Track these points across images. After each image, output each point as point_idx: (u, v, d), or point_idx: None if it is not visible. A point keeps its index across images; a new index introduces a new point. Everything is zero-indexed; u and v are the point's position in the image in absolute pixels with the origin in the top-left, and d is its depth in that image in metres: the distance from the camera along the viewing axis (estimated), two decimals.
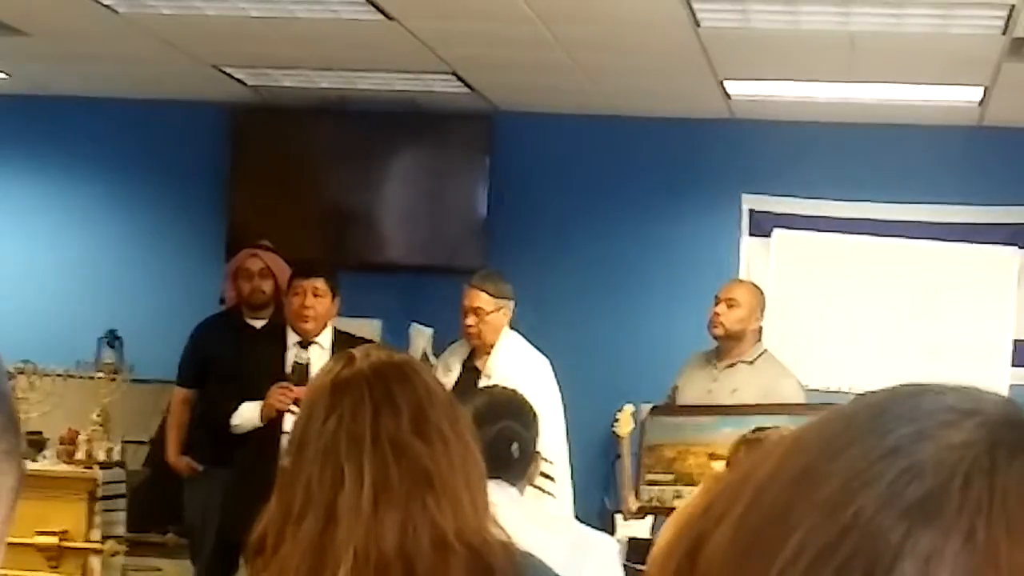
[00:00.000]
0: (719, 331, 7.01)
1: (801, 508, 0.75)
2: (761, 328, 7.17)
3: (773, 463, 0.79)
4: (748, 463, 0.82)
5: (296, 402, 6.80)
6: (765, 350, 7.10)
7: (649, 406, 7.10)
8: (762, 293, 7.24)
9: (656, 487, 6.67)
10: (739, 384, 6.83)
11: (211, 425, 7.41)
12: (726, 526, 0.78)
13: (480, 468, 2.45)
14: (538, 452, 3.95)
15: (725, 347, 7.04)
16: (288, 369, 7.01)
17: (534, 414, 3.98)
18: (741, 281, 7.38)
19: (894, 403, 0.79)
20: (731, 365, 6.99)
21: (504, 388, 4.31)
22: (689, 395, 6.99)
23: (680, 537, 0.81)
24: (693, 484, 6.28)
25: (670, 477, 6.64)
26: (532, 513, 3.77)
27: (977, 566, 0.72)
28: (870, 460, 0.75)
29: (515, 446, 3.74)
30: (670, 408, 7.00)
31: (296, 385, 6.81)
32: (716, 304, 7.05)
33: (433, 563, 2.27)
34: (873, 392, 0.82)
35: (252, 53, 7.79)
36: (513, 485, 3.72)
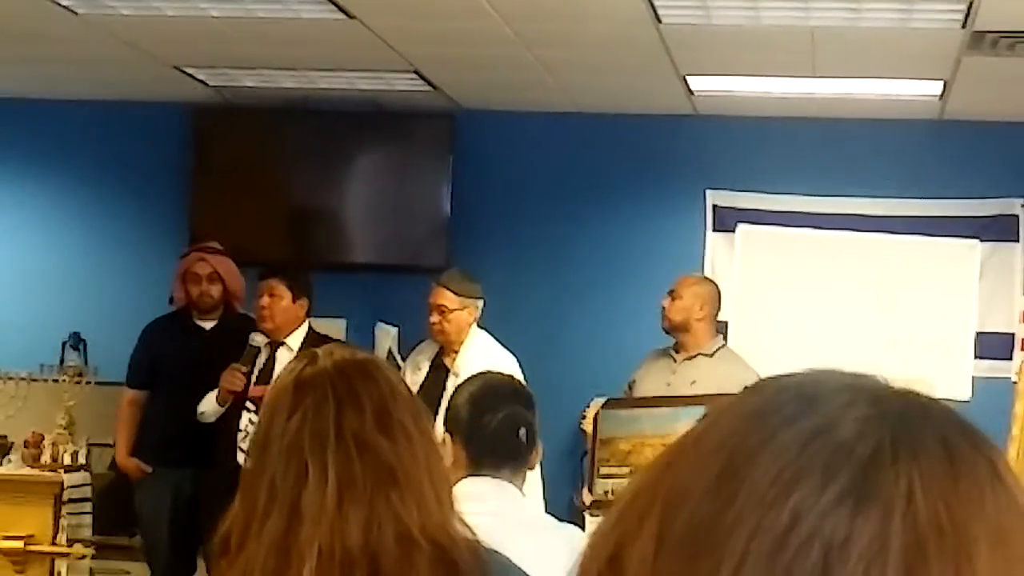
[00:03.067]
0: (664, 323, 7.08)
1: (738, 505, 0.76)
2: (715, 321, 7.19)
3: (686, 465, 0.80)
4: (653, 467, 0.82)
5: (248, 386, 6.90)
6: (724, 344, 7.15)
7: (600, 401, 7.12)
8: (712, 284, 7.25)
9: (611, 480, 6.67)
10: (698, 376, 6.85)
11: (162, 426, 7.42)
12: (648, 532, 0.78)
13: (444, 465, 2.45)
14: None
15: (681, 340, 7.08)
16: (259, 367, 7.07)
17: (532, 397, 3.88)
18: (690, 275, 7.38)
19: (788, 392, 0.81)
20: (690, 358, 7.03)
21: (499, 373, 4.17)
22: (647, 388, 7.01)
23: (597, 546, 0.81)
24: None
25: (625, 470, 6.64)
26: (532, 516, 3.72)
27: (923, 529, 0.74)
28: (796, 448, 0.77)
29: (522, 431, 3.63)
30: (623, 401, 7.01)
31: (247, 368, 6.94)
32: (664, 298, 7.13)
33: (398, 559, 2.27)
34: (757, 385, 0.84)
35: (213, 53, 7.77)
36: (514, 476, 3.61)
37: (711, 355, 7.02)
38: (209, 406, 7.10)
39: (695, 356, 7.02)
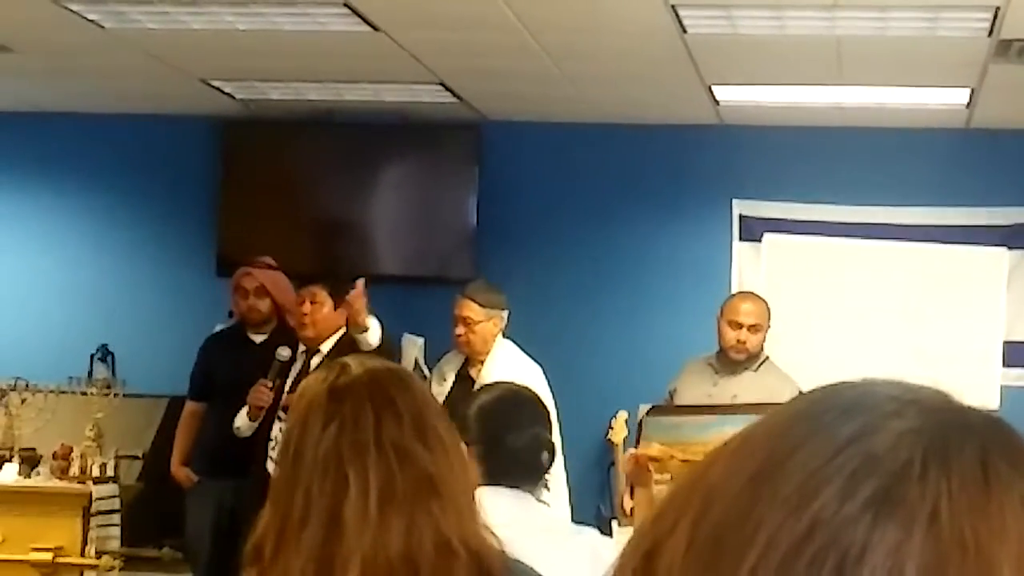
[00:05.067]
0: (743, 356, 6.96)
1: (762, 508, 0.76)
2: None
3: (723, 467, 0.80)
4: (695, 468, 0.82)
5: (277, 399, 6.88)
6: (767, 357, 7.08)
7: (645, 408, 7.10)
8: (767, 304, 7.18)
9: (655, 486, 6.66)
10: (740, 390, 6.81)
11: (210, 438, 7.47)
12: (681, 532, 0.78)
13: (473, 473, 2.45)
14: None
15: (733, 359, 7.03)
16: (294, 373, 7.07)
17: (548, 410, 3.84)
18: (753, 299, 7.16)
19: (836, 398, 0.81)
20: (734, 372, 6.99)
21: (512, 386, 4.02)
22: (688, 399, 6.98)
23: (633, 546, 0.81)
24: None
25: (666, 477, 6.62)
26: (550, 524, 3.69)
27: (945, 549, 0.73)
28: (826, 455, 0.76)
29: (545, 455, 3.58)
30: (668, 408, 6.98)
31: (274, 381, 6.93)
32: (734, 328, 6.98)
33: (437, 568, 2.27)
34: (812, 391, 0.83)
35: (239, 66, 7.79)
36: (532, 489, 3.57)
37: (755, 370, 6.98)
38: (243, 421, 7.10)
39: (738, 371, 6.98)
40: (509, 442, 3.51)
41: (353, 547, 2.27)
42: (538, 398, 3.85)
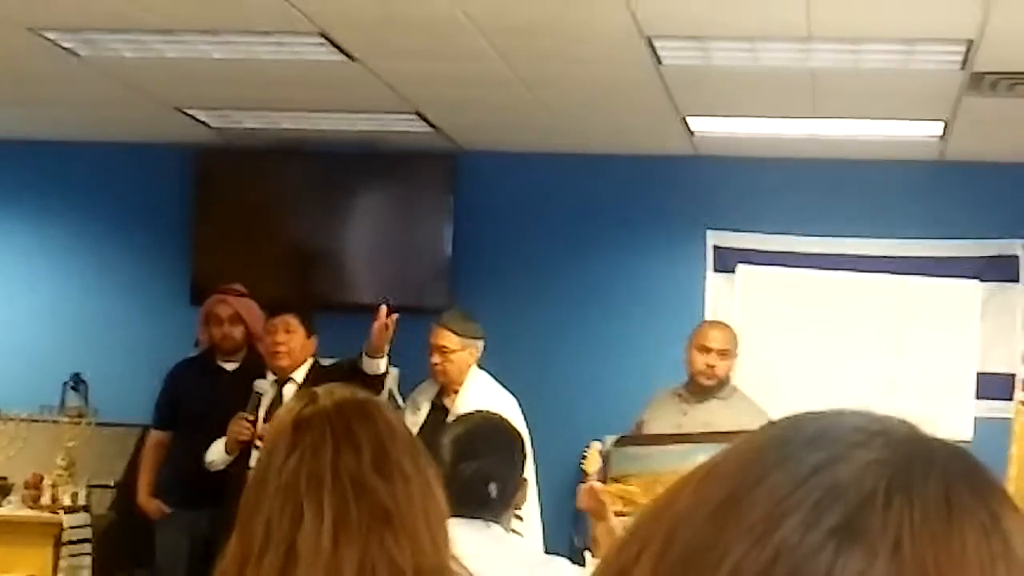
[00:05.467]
0: (713, 381, 7.04)
1: (727, 536, 0.76)
2: None
3: (689, 496, 0.80)
4: (660, 498, 0.82)
5: (255, 429, 6.84)
6: (735, 387, 7.14)
7: (612, 439, 7.10)
8: (736, 333, 7.30)
9: (622, 518, 6.66)
10: (710, 418, 6.83)
11: (181, 467, 7.41)
12: (646, 562, 0.78)
13: (441, 505, 2.44)
14: (524, 479, 3.81)
15: (703, 387, 7.07)
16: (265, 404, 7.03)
17: (519, 441, 3.86)
18: (721, 326, 7.32)
19: (802, 429, 0.81)
20: (703, 401, 7.03)
21: (487, 415, 4.11)
22: (657, 428, 6.99)
23: (599, 574, 0.81)
24: None
25: (637, 508, 6.62)
26: (518, 554, 3.70)
27: None
28: (791, 485, 0.77)
29: (492, 486, 3.61)
30: (636, 438, 6.99)
31: (254, 415, 6.88)
32: (704, 353, 7.06)
33: None
34: (778, 421, 0.84)
35: (214, 95, 7.79)
36: (497, 518, 3.62)
37: (725, 399, 7.03)
38: (217, 455, 7.03)
39: (708, 400, 7.02)
40: (460, 472, 3.54)
41: None
42: (503, 427, 3.87)
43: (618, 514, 6.64)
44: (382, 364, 6.82)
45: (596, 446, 7.29)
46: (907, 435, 0.81)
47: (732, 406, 6.99)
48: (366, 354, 6.78)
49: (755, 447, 0.81)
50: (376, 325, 6.74)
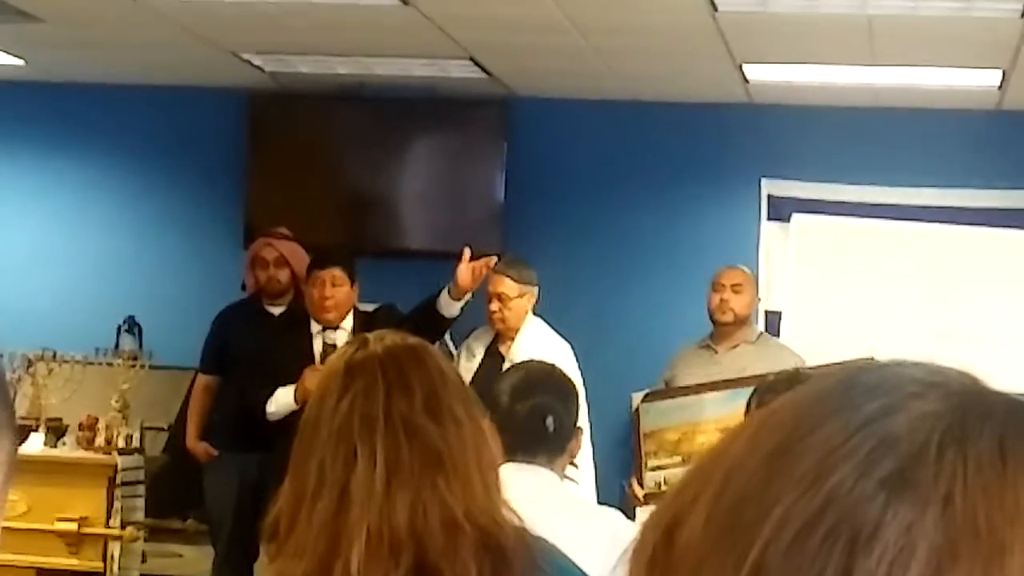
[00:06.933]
0: (729, 317, 7.13)
1: (779, 484, 0.76)
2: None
3: (745, 442, 0.80)
4: (719, 443, 0.82)
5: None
6: (763, 331, 7.23)
7: (639, 396, 7.14)
8: (754, 277, 7.43)
9: (662, 471, 6.67)
10: (746, 364, 6.83)
11: (233, 411, 7.45)
12: (701, 506, 0.79)
13: (492, 450, 2.45)
14: (579, 428, 3.88)
15: (726, 332, 7.14)
16: (319, 351, 7.03)
17: (572, 388, 3.92)
18: (735, 268, 7.41)
19: (860, 378, 0.81)
20: (734, 347, 7.06)
21: (540, 362, 4.23)
22: (690, 382, 7.00)
23: (655, 520, 0.82)
24: None
25: (677, 459, 6.63)
26: (571, 503, 3.73)
27: (957, 531, 0.73)
28: (845, 434, 0.76)
29: (549, 419, 3.68)
30: (663, 392, 7.03)
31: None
32: (719, 291, 7.15)
33: (443, 543, 2.28)
34: (837, 369, 0.84)
35: (269, 39, 7.79)
36: (551, 463, 3.67)
37: (754, 342, 7.08)
38: (282, 406, 6.90)
39: (739, 345, 7.06)
40: (516, 412, 3.60)
41: (360, 520, 2.29)
42: (553, 370, 3.94)
43: (656, 467, 6.68)
44: (458, 307, 6.88)
45: (638, 398, 7.32)
46: (965, 387, 0.80)
47: (764, 349, 7.05)
48: (449, 294, 6.83)
49: (812, 396, 0.81)
50: (461, 268, 6.80)
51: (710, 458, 0.81)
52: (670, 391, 7.00)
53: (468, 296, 6.89)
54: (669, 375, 7.18)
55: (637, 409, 7.00)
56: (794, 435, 0.78)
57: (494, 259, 6.86)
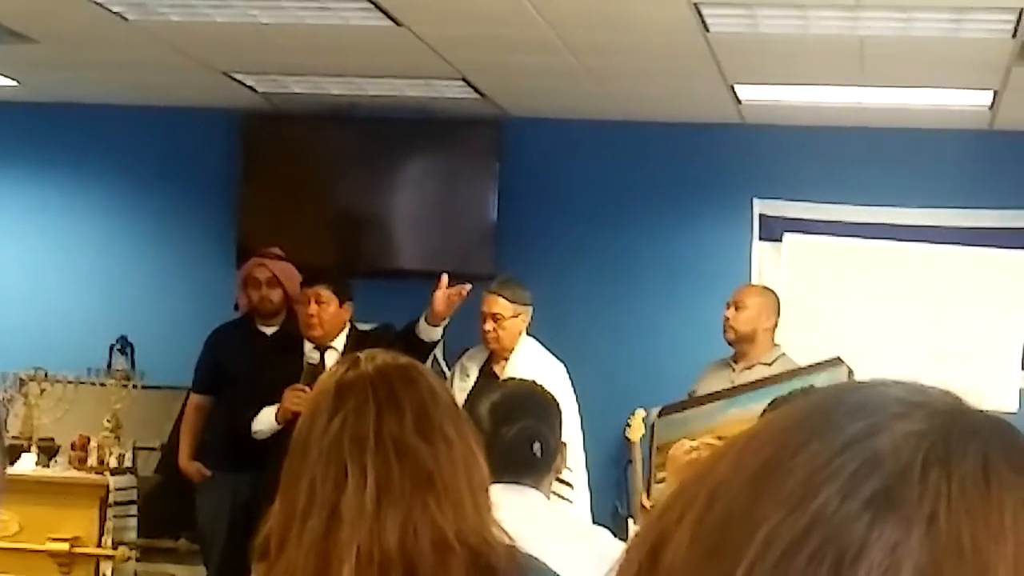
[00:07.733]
0: (730, 335, 7.15)
1: (764, 504, 0.76)
2: (775, 330, 7.24)
3: (730, 462, 0.80)
4: (705, 462, 0.82)
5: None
6: (783, 353, 7.17)
7: (655, 411, 7.13)
8: (773, 294, 7.34)
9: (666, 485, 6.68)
10: None
11: (225, 431, 7.45)
12: (686, 526, 0.79)
13: (483, 470, 2.45)
14: (564, 443, 3.85)
15: (741, 350, 7.12)
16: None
17: (555, 405, 3.88)
18: (751, 285, 7.46)
19: (844, 398, 0.81)
20: (749, 367, 7.05)
21: (521, 381, 4.21)
22: None
23: (640, 539, 0.82)
24: None
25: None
26: (558, 522, 3.72)
27: (942, 551, 0.74)
28: (829, 454, 0.77)
29: (536, 445, 3.65)
30: (676, 406, 7.03)
31: (309, 387, 6.86)
32: (727, 309, 7.18)
33: (433, 563, 2.28)
34: (821, 389, 0.84)
35: (262, 60, 7.80)
36: (538, 483, 3.66)
37: (770, 364, 7.05)
38: (265, 424, 6.96)
39: (754, 366, 7.04)
40: (502, 435, 3.58)
41: (350, 539, 2.29)
42: (538, 390, 3.91)
43: (661, 481, 6.68)
44: (439, 332, 6.88)
45: (640, 414, 7.32)
46: (949, 407, 0.81)
47: (777, 369, 7.01)
48: (426, 320, 6.83)
49: (796, 415, 0.81)
50: (438, 294, 6.79)
51: (695, 477, 0.82)
52: (680, 404, 7.01)
53: (445, 321, 6.89)
54: (694, 388, 7.20)
55: (652, 424, 7.02)
56: (779, 455, 0.78)
57: (468, 286, 6.85)
